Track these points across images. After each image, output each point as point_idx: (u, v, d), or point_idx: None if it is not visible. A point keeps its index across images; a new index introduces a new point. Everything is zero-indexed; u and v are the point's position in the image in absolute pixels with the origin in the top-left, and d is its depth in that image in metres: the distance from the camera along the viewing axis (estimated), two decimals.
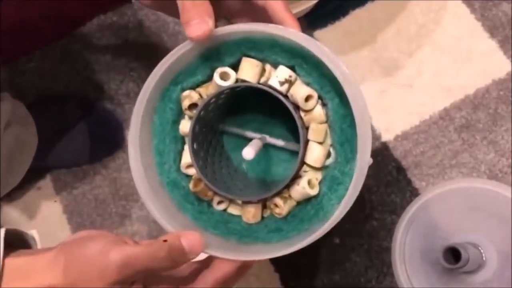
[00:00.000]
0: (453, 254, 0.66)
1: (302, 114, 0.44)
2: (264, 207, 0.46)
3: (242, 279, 0.81)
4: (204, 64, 0.44)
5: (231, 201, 0.47)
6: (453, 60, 0.83)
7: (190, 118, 0.45)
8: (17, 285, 0.39)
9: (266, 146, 0.48)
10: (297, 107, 0.44)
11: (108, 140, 0.87)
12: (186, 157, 0.46)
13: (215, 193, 0.46)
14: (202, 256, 0.43)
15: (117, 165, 0.87)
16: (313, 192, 0.44)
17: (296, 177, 0.44)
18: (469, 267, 0.67)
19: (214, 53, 0.44)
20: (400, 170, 0.80)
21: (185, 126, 0.45)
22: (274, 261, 0.80)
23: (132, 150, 0.44)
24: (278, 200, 0.45)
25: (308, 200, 0.45)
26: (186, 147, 0.46)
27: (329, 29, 0.87)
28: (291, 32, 0.42)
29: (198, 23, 0.40)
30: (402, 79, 0.83)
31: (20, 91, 0.90)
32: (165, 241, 0.40)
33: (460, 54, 0.83)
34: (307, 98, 0.43)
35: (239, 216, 0.47)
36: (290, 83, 0.43)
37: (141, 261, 0.39)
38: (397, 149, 0.81)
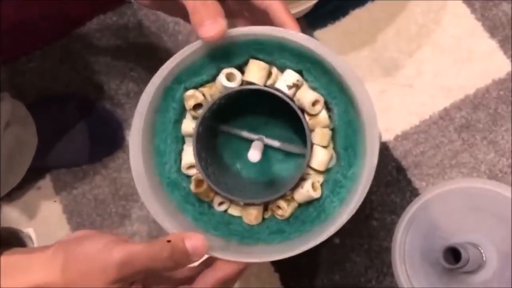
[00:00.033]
0: (453, 254, 0.66)
1: (307, 118, 0.44)
2: (265, 208, 0.46)
3: (242, 279, 0.81)
4: (210, 64, 0.44)
5: (232, 202, 0.47)
6: (453, 60, 0.83)
7: (194, 118, 0.45)
8: (9, 283, 0.38)
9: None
10: (301, 111, 0.44)
11: (108, 140, 0.87)
12: (187, 157, 0.45)
13: (218, 194, 0.46)
14: (202, 257, 0.43)
15: (117, 165, 0.87)
16: (317, 195, 0.45)
17: (300, 180, 0.45)
18: (469, 267, 0.67)
19: (221, 54, 0.43)
20: (400, 170, 0.80)
21: (188, 126, 0.45)
22: (274, 261, 0.80)
23: (133, 150, 0.44)
24: (282, 203, 0.45)
25: (310, 202, 0.45)
26: (186, 148, 0.46)
27: (329, 29, 0.87)
28: (303, 37, 0.42)
29: (211, 23, 0.40)
30: (402, 79, 0.83)
31: (20, 91, 0.90)
32: (168, 241, 0.40)
33: (460, 54, 0.83)
34: (314, 103, 0.44)
35: (240, 217, 0.46)
36: (297, 87, 0.44)
37: (142, 260, 0.38)
38: (397, 149, 0.81)
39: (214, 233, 0.45)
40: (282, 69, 0.44)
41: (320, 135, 0.44)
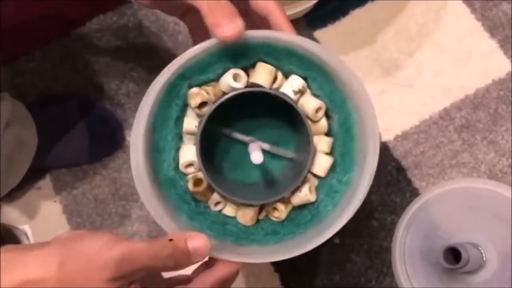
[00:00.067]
0: (453, 254, 0.66)
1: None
2: (260, 210, 0.47)
3: (242, 279, 0.81)
4: (218, 63, 0.44)
5: (228, 203, 0.47)
6: (453, 60, 0.83)
7: (198, 116, 0.45)
8: (2, 278, 0.37)
9: (246, 148, 0.48)
10: None
11: (108, 140, 0.87)
12: (185, 155, 0.45)
13: (214, 194, 0.46)
14: (204, 258, 0.43)
15: (117, 165, 0.87)
16: (313, 198, 0.46)
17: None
18: (469, 267, 0.67)
19: (229, 54, 0.43)
20: (400, 170, 0.80)
21: (190, 123, 0.45)
22: (274, 261, 0.80)
23: (135, 146, 0.43)
24: (280, 205, 0.46)
25: (304, 205, 0.46)
26: (184, 146, 0.46)
27: (329, 29, 0.87)
28: (316, 46, 0.43)
29: (228, 23, 0.40)
30: (402, 79, 0.83)
31: (20, 91, 0.90)
32: (170, 240, 0.40)
33: (460, 54, 0.83)
34: (317, 110, 0.45)
35: (235, 218, 0.47)
36: (302, 93, 0.45)
37: (142, 258, 0.38)
38: (397, 149, 0.81)
39: (209, 233, 0.45)
40: (287, 75, 0.45)
41: (322, 142, 0.46)
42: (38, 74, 0.91)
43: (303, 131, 0.45)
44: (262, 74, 0.44)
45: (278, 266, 0.80)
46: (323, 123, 0.46)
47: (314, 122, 0.45)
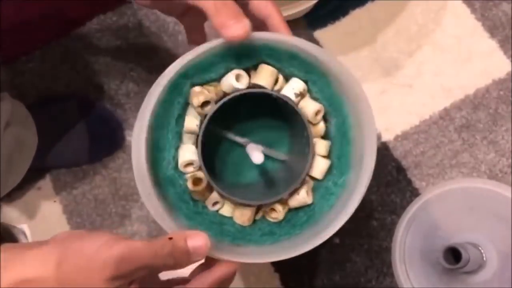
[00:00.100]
0: (453, 254, 0.66)
1: None
2: (257, 210, 0.47)
3: (242, 279, 0.81)
4: (221, 63, 0.44)
5: (226, 203, 0.47)
6: (453, 60, 0.83)
7: (200, 115, 0.45)
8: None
9: (241, 149, 0.48)
10: None
11: (108, 140, 0.87)
12: (185, 155, 0.45)
13: (212, 194, 0.46)
14: (204, 257, 0.43)
15: (117, 165, 0.87)
16: (310, 201, 0.46)
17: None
18: (470, 267, 0.67)
19: (233, 54, 0.44)
20: (400, 170, 0.80)
21: (191, 122, 0.44)
22: (272, 261, 0.80)
23: (136, 144, 0.43)
24: (278, 206, 0.46)
25: (300, 207, 0.47)
26: (183, 145, 0.46)
27: (329, 29, 0.87)
28: (318, 50, 0.44)
29: (235, 23, 0.41)
30: (402, 79, 0.83)
31: (20, 91, 0.90)
32: (170, 238, 0.40)
33: (460, 54, 0.83)
34: (316, 113, 0.45)
35: (232, 218, 0.47)
36: (302, 96, 0.45)
37: (142, 256, 0.38)
38: (397, 149, 0.81)
39: (207, 233, 0.45)
40: (287, 77, 0.45)
41: (320, 145, 0.46)
42: (38, 74, 0.91)
43: (303, 134, 0.45)
44: (265, 76, 0.44)
45: (278, 266, 0.80)
46: (321, 126, 0.46)
47: (313, 125, 0.46)
